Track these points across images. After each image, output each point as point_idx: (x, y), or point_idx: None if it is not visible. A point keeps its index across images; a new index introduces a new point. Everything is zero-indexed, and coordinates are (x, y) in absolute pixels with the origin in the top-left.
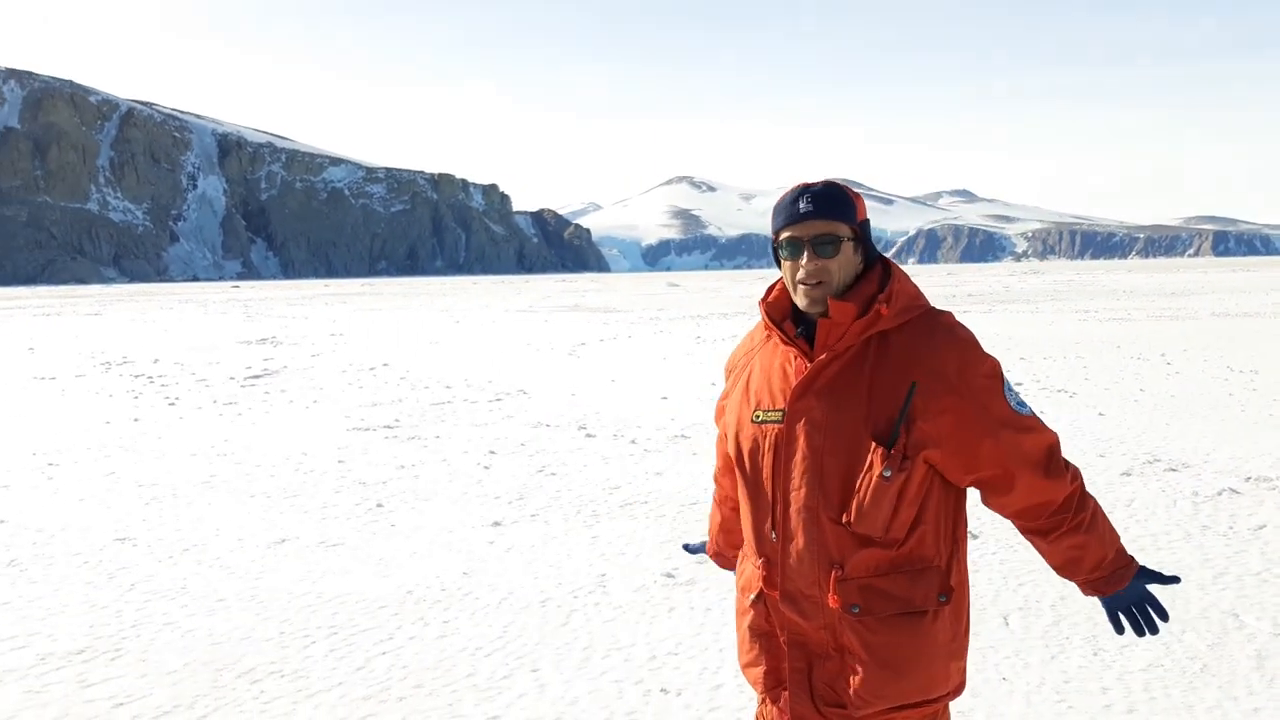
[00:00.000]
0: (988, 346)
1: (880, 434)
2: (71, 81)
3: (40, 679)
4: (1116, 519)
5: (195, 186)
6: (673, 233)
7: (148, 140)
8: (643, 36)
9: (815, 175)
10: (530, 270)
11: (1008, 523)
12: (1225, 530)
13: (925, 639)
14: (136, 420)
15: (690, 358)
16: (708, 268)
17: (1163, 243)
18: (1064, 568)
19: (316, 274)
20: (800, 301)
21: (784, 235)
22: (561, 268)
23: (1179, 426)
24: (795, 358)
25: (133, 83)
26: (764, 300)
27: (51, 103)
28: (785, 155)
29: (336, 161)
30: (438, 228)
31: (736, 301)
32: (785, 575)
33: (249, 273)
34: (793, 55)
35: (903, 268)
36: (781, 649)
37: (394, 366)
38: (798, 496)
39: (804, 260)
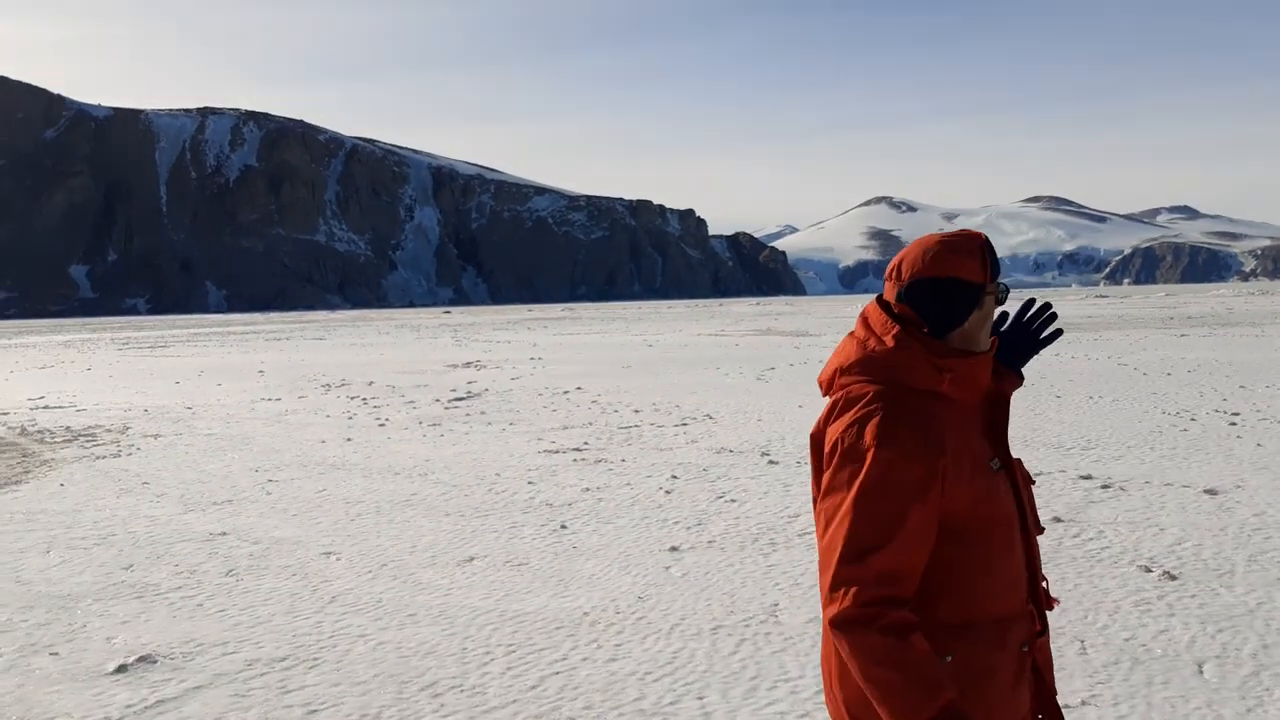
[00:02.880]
0: (1205, 373)
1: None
2: (303, 122)
3: (246, 683)
4: None
5: (412, 218)
6: (871, 254)
7: (369, 175)
8: (838, 55)
9: (1022, 192)
10: (725, 294)
11: (1209, 564)
12: None
13: None
14: (349, 440)
15: None
16: None
17: None
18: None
19: (521, 299)
20: (987, 344)
21: (997, 284)
22: (757, 291)
23: None
24: (974, 403)
25: (355, 121)
26: (905, 363)
27: (285, 142)
28: (988, 172)
29: (540, 191)
30: (635, 253)
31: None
32: (1044, 602)
33: (460, 298)
34: (991, 69)
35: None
36: (1034, 681)
37: (587, 390)
38: (1033, 524)
39: (994, 310)
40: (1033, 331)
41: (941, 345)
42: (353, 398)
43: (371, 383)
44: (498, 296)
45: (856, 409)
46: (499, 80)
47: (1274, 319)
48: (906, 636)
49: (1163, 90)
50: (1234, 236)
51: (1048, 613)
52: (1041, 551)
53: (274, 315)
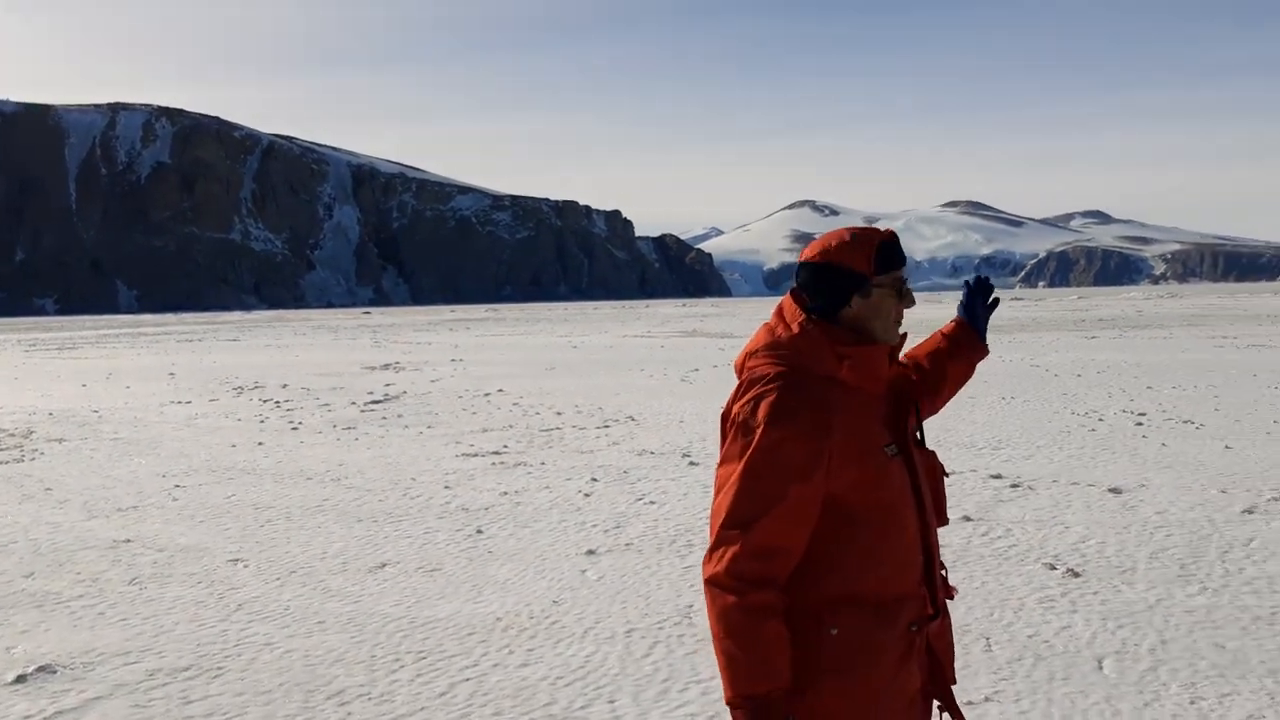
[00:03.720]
0: (1113, 374)
1: (922, 441)
2: (218, 118)
3: (147, 694)
4: (1232, 559)
5: (331, 216)
6: (794, 256)
7: (287, 173)
8: (762, 60)
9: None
10: (652, 295)
11: (1112, 562)
12: None
13: None
14: (260, 444)
15: None
16: None
17: None
18: (967, 372)
19: (445, 300)
20: (892, 337)
21: (892, 276)
22: (683, 292)
23: None
24: (878, 391)
25: (273, 118)
26: (809, 349)
27: (199, 139)
28: (908, 177)
29: (464, 190)
30: (561, 253)
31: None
32: (938, 587)
33: (380, 299)
34: (912, 76)
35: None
36: (928, 665)
37: (508, 392)
38: (933, 511)
39: (905, 301)
40: (981, 303)
41: (844, 334)
42: (265, 401)
43: (286, 385)
44: (420, 297)
45: (756, 388)
46: (421, 78)
47: (1181, 322)
48: (763, 619)
49: (1076, 98)
50: (1145, 241)
51: (949, 602)
52: (951, 550)
53: (187, 316)
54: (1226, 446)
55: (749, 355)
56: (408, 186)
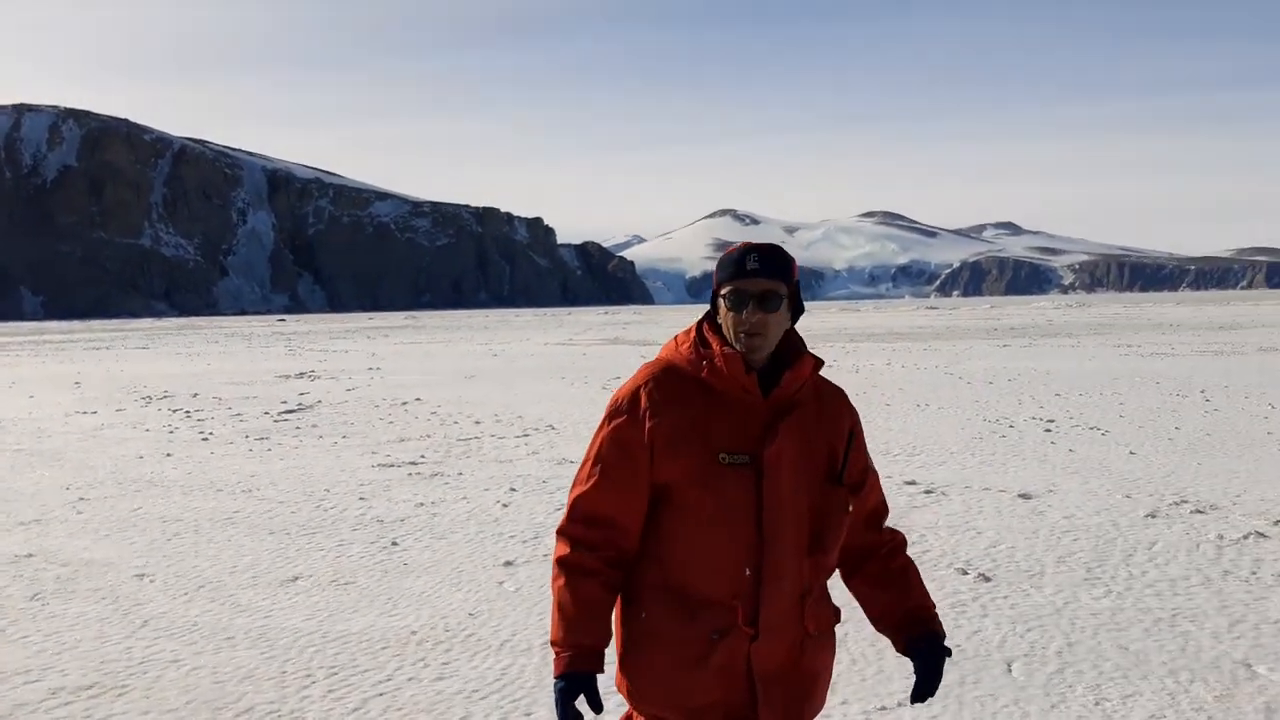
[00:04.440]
0: (1024, 382)
1: (834, 474)
2: (127, 120)
3: (48, 713)
4: (1136, 562)
5: (245, 222)
6: (715, 265)
7: (199, 177)
8: (685, 69)
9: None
10: (574, 303)
11: (1021, 566)
12: (1247, 576)
13: (834, 655)
14: (169, 455)
15: None
16: None
17: (1214, 274)
18: (880, 615)
19: (362, 307)
20: (746, 350)
21: (730, 287)
22: (605, 300)
23: (1211, 466)
24: (749, 403)
25: (186, 121)
26: (685, 348)
27: (108, 141)
28: (827, 187)
29: (383, 196)
30: (482, 261)
31: None
32: (766, 609)
33: (296, 306)
34: (834, 88)
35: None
36: (743, 682)
37: (426, 401)
38: (784, 535)
39: (747, 313)
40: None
41: (718, 339)
42: (175, 410)
43: (196, 394)
44: (336, 304)
45: (627, 380)
46: (339, 81)
47: (1088, 330)
48: (579, 578)
49: (988, 111)
50: (1054, 252)
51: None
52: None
53: (94, 323)
54: (1131, 452)
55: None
56: (324, 192)
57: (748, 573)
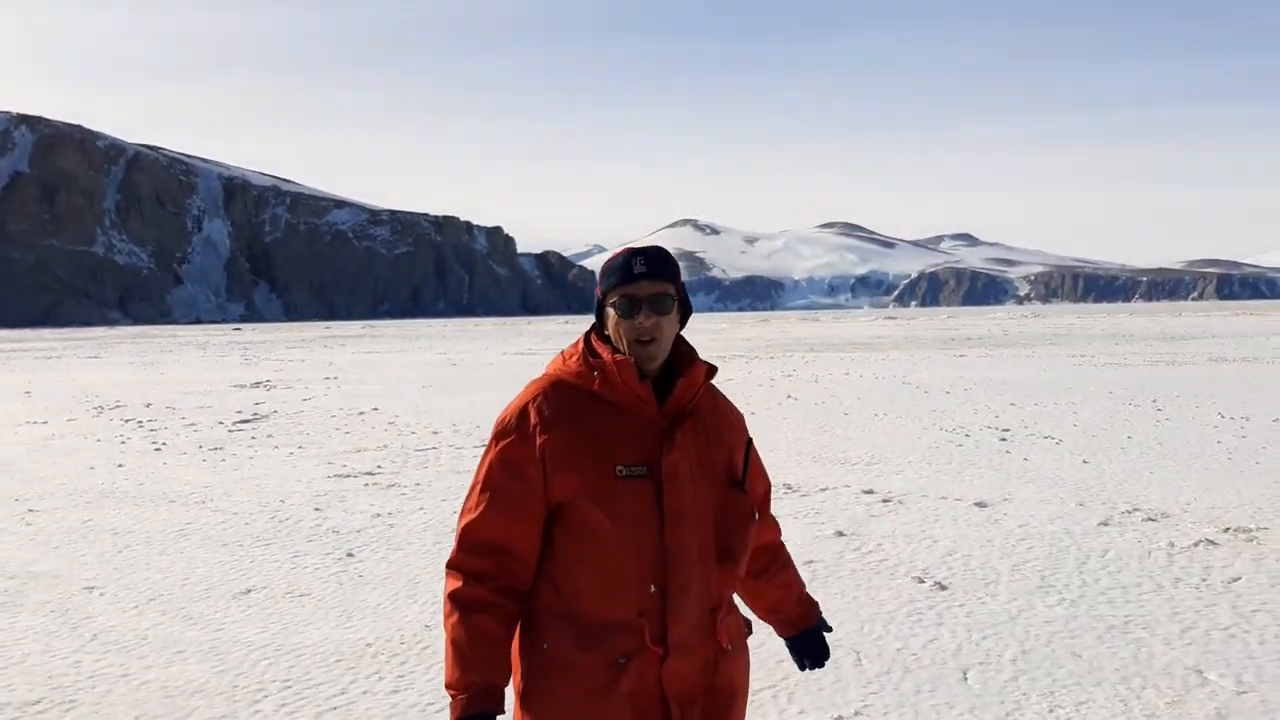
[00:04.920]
0: (980, 391)
1: (736, 482)
2: (80, 126)
3: None
4: (1089, 570)
5: (200, 229)
6: None
7: (154, 184)
8: (645, 79)
9: (817, 218)
10: (534, 312)
11: (977, 574)
12: (1198, 583)
13: (749, 668)
14: (121, 466)
15: None
16: (712, 310)
17: (1166, 286)
18: (774, 605)
19: (319, 316)
20: (640, 357)
21: (619, 293)
22: (566, 310)
23: (1162, 475)
24: (644, 413)
25: (141, 127)
26: (573, 360)
27: (61, 147)
28: (786, 198)
29: (340, 204)
30: (441, 270)
31: (737, 344)
32: (675, 626)
33: (252, 315)
34: (792, 99)
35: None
36: (656, 707)
37: (384, 411)
38: (689, 547)
39: (640, 318)
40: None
41: (608, 349)
42: (127, 420)
43: (149, 404)
44: (293, 313)
45: (516, 397)
46: (296, 88)
47: (1044, 341)
48: (471, 612)
49: (946, 123)
50: (1010, 263)
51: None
52: (824, 564)
53: (46, 332)
54: (1084, 461)
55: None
56: (281, 199)
57: (653, 589)
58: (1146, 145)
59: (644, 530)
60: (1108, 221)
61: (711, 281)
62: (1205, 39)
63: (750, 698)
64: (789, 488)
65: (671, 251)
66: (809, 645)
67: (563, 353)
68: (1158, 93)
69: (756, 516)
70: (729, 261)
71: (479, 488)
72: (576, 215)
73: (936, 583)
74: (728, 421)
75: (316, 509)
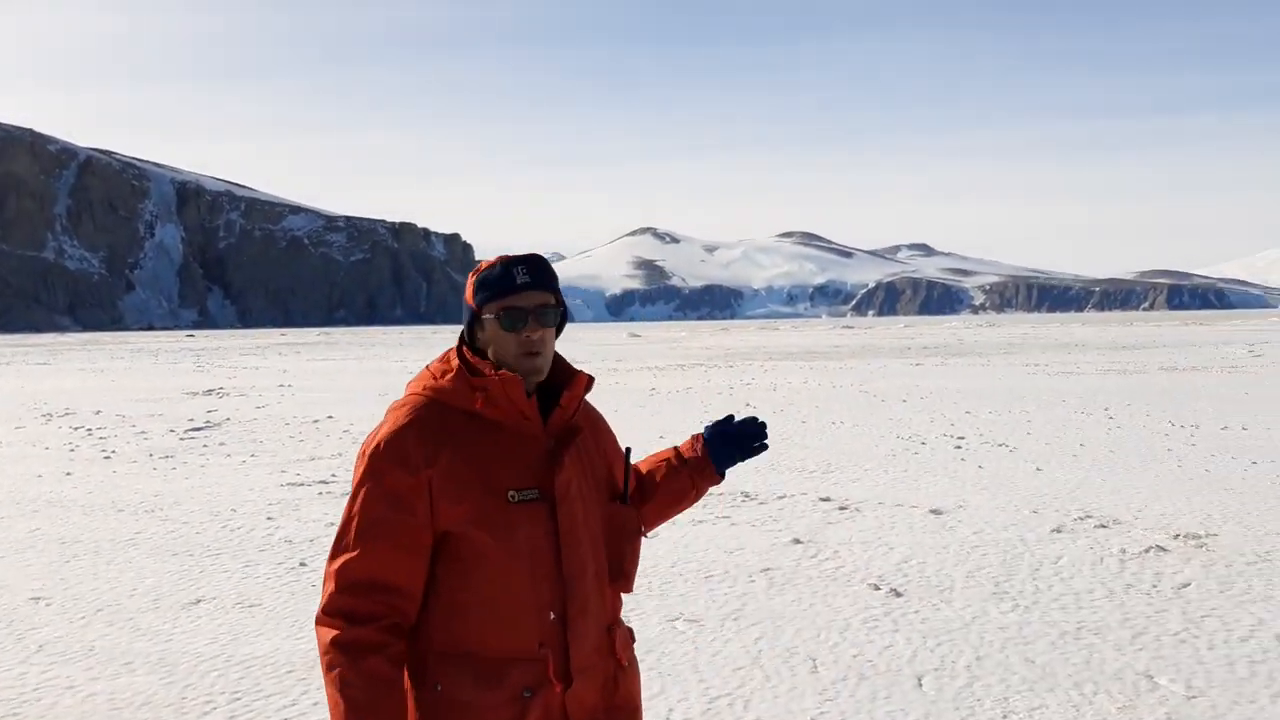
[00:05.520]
0: (936, 400)
1: (619, 496)
2: (31, 130)
3: None
4: (1042, 576)
5: (153, 235)
6: (636, 283)
7: (106, 188)
8: (606, 86)
9: (776, 228)
10: None
11: (932, 581)
12: (1149, 589)
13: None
14: (69, 474)
15: (643, 410)
16: (671, 319)
17: (1118, 296)
18: (674, 481)
19: (274, 323)
20: (526, 371)
21: (501, 305)
22: None
23: (1114, 482)
24: (529, 431)
25: (93, 131)
26: (449, 378)
27: (11, 151)
28: (746, 207)
29: (296, 210)
30: (398, 277)
31: (696, 353)
32: (577, 652)
33: (205, 321)
34: (754, 110)
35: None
36: None
37: (339, 419)
38: (585, 568)
39: (527, 330)
40: (744, 441)
41: (489, 364)
42: (76, 428)
43: (99, 411)
44: (247, 320)
45: (383, 419)
46: (252, 92)
47: (998, 350)
48: (360, 657)
49: (903, 134)
50: (965, 273)
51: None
52: (781, 572)
53: None
54: (1038, 469)
55: (407, 386)
56: (235, 205)
57: (552, 616)
58: (1099, 158)
59: (540, 556)
60: (1061, 232)
61: (671, 290)
62: (1159, 53)
63: (708, 704)
64: (746, 496)
65: (631, 260)
66: (722, 441)
67: (430, 369)
68: (1111, 106)
69: (644, 531)
70: (688, 270)
71: (356, 524)
72: (535, 223)
73: (892, 589)
74: (604, 432)
75: (269, 518)
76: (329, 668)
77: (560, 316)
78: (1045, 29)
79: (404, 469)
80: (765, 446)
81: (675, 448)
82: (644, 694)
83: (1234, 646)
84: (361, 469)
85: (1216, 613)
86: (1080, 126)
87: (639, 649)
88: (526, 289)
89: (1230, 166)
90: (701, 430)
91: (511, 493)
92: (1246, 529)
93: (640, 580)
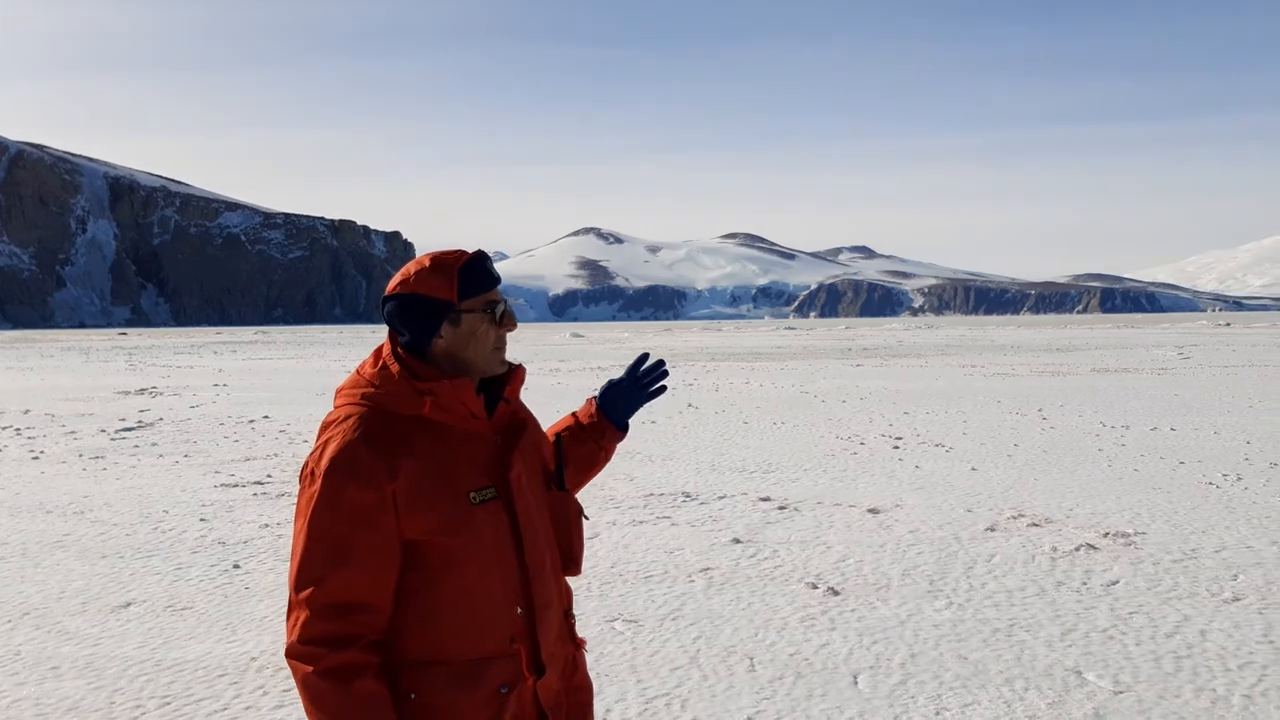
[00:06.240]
0: (875, 400)
1: (558, 482)
2: None
3: None
4: (976, 574)
5: (85, 231)
6: (580, 283)
7: (36, 183)
8: (546, 85)
9: (719, 229)
10: None
11: (869, 579)
12: (1079, 586)
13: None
14: None
15: None
16: (615, 319)
17: (1053, 299)
18: (595, 454)
19: (210, 321)
20: (494, 367)
21: (486, 299)
22: None
23: (1047, 481)
24: (477, 430)
25: (25, 124)
26: (391, 383)
27: None
28: (690, 209)
29: (233, 207)
30: (337, 275)
31: (637, 353)
32: (545, 642)
33: (139, 320)
34: (699, 111)
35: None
36: None
37: (275, 419)
38: (544, 560)
39: (502, 324)
40: (641, 387)
41: (430, 368)
42: (4, 428)
43: (28, 411)
44: (182, 318)
45: (326, 432)
46: (188, 87)
47: (936, 351)
48: (348, 681)
49: (844, 138)
50: (905, 275)
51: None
52: (720, 571)
53: None
54: (973, 468)
55: (337, 394)
56: (171, 201)
57: (520, 611)
58: (1036, 164)
59: (505, 554)
60: (998, 236)
61: (615, 290)
62: (1094, 61)
63: (645, 704)
64: (687, 495)
65: (574, 260)
66: (617, 395)
67: (361, 375)
68: (1049, 113)
69: (585, 515)
70: (632, 270)
71: (320, 544)
72: (478, 221)
73: (830, 588)
74: (532, 420)
75: (202, 519)
76: (316, 699)
77: None
78: (983, 36)
79: (364, 485)
80: (664, 388)
81: (574, 414)
82: None
83: (1160, 642)
84: (315, 488)
85: (1144, 609)
86: (1018, 133)
87: None
88: (497, 284)
89: (1162, 173)
90: (598, 396)
91: (472, 494)
92: (1174, 527)
93: (579, 581)
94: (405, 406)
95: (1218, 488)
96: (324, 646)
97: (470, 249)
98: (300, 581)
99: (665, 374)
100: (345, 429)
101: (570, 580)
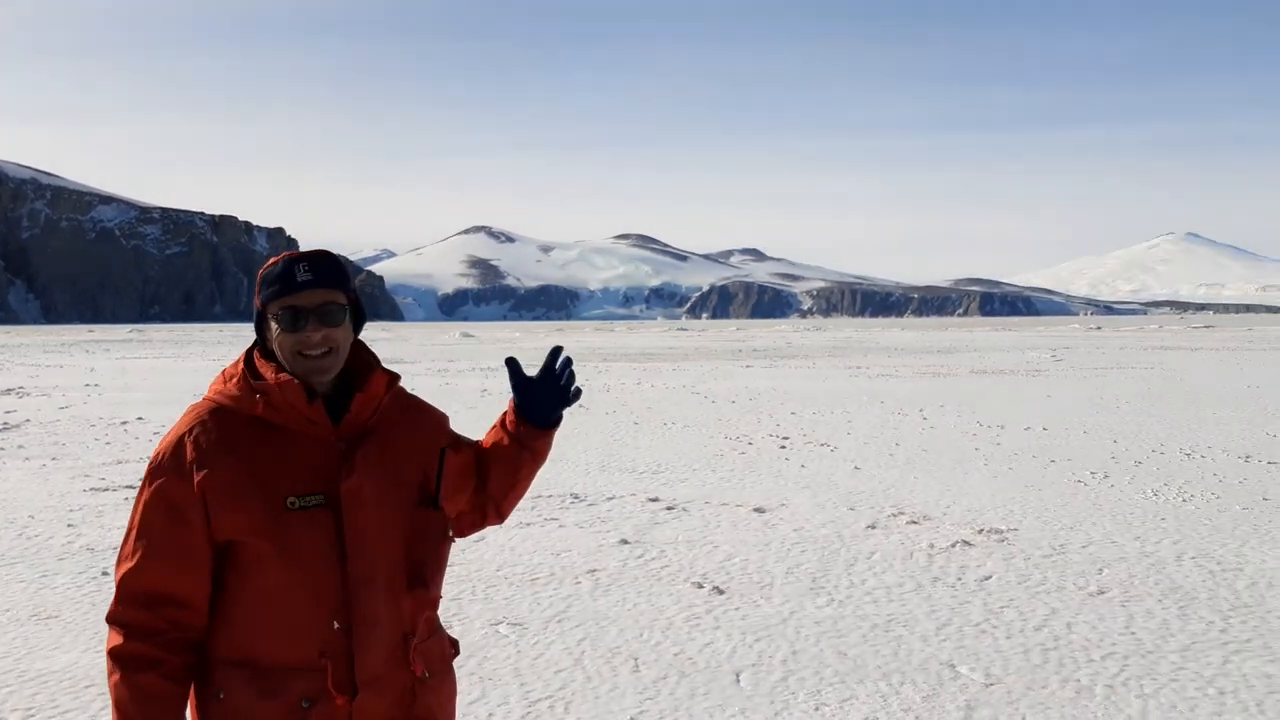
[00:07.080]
0: (764, 401)
1: (428, 498)
2: None
3: None
4: (856, 571)
5: None
6: (470, 282)
7: None
8: (434, 80)
9: (612, 229)
10: None
11: (753, 578)
12: (954, 581)
13: (455, 693)
14: None
15: (474, 411)
16: (506, 318)
17: (935, 302)
18: (524, 458)
19: (82, 319)
20: (310, 375)
21: (280, 305)
22: None
23: (926, 480)
24: (318, 435)
25: None
26: (233, 383)
27: None
28: (582, 208)
29: (107, 200)
30: (218, 272)
31: (531, 354)
32: (363, 662)
33: (7, 317)
34: (589, 110)
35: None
36: None
37: (150, 420)
38: (375, 576)
39: (307, 331)
40: (551, 391)
41: (273, 368)
42: None
43: None
44: (52, 316)
45: (170, 429)
46: (60, 72)
47: (823, 352)
48: (136, 671)
49: (735, 140)
50: (794, 278)
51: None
52: (607, 573)
53: None
54: (856, 467)
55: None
56: (41, 193)
57: (335, 626)
58: (920, 171)
59: (321, 564)
60: (883, 241)
61: (506, 290)
62: (977, 72)
63: (528, 708)
64: (576, 497)
65: (465, 259)
66: (535, 399)
67: (224, 372)
68: (933, 121)
69: (451, 534)
70: (524, 270)
71: (134, 533)
72: (365, 218)
73: (715, 587)
74: (423, 433)
75: (70, 525)
76: (109, 673)
77: (351, 314)
78: (875, 44)
79: (180, 478)
80: (579, 391)
81: (501, 418)
82: (463, 700)
83: (1029, 635)
84: (144, 477)
85: (1014, 604)
86: (905, 141)
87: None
88: (307, 287)
89: (1037, 182)
90: (514, 395)
91: (291, 499)
92: (1044, 524)
93: (464, 585)
94: (243, 405)
95: (1086, 485)
96: (124, 629)
97: (351, 246)
98: (119, 566)
99: (568, 373)
100: (184, 422)
101: (458, 584)
